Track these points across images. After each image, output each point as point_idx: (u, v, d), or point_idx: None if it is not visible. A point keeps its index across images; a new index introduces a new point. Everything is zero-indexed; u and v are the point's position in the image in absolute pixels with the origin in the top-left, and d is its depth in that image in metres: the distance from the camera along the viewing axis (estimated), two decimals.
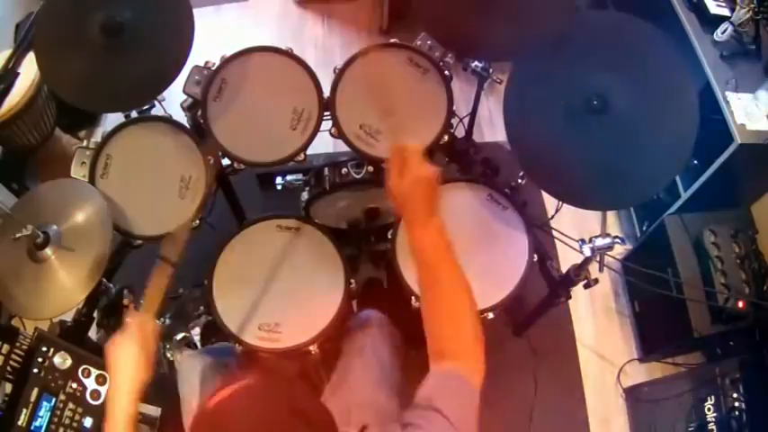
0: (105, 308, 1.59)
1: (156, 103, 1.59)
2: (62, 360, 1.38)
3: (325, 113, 1.54)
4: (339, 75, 1.55)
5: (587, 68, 1.27)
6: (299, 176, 1.81)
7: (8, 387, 1.31)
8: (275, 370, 1.35)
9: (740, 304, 1.72)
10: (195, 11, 1.35)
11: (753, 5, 1.78)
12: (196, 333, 1.76)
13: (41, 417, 1.31)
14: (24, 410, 1.29)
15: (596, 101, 1.22)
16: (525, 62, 1.35)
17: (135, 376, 0.98)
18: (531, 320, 1.95)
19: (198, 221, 1.51)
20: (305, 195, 1.76)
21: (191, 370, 1.38)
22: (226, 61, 1.53)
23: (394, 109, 1.03)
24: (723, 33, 1.82)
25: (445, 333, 0.92)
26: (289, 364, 1.53)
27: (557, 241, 1.94)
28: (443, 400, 0.83)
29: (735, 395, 1.66)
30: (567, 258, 1.66)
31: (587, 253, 1.41)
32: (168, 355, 1.73)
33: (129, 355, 0.99)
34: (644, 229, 2.22)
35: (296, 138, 1.53)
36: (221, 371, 1.36)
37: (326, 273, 1.44)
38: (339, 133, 1.54)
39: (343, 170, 1.71)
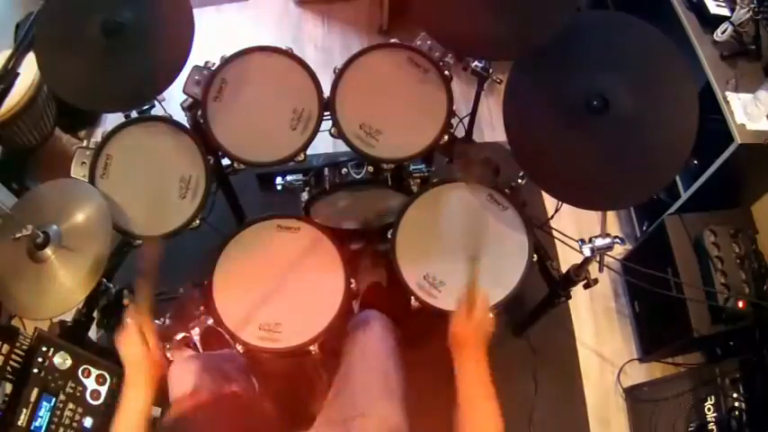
0: (105, 308, 1.59)
1: (156, 103, 1.59)
2: (62, 360, 1.38)
3: (325, 113, 1.54)
4: (339, 75, 1.55)
5: (587, 68, 1.27)
6: (299, 176, 1.81)
7: (8, 387, 1.31)
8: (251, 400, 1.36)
9: (740, 304, 1.72)
10: (195, 11, 1.35)
11: (753, 5, 1.78)
12: (196, 333, 1.76)
13: (41, 417, 1.31)
14: (24, 410, 1.29)
15: (596, 101, 1.22)
16: (525, 62, 1.35)
17: (143, 370, 1.04)
18: (531, 320, 1.95)
19: (198, 221, 1.51)
20: (305, 195, 1.76)
21: (182, 374, 1.38)
22: (226, 61, 1.53)
23: (479, 255, 1.11)
24: (723, 33, 1.82)
25: None
26: (288, 365, 1.53)
27: (557, 241, 1.95)
28: None
29: (735, 395, 1.66)
30: (567, 258, 1.67)
31: (587, 253, 1.41)
32: (168, 355, 1.73)
33: (135, 352, 1.06)
34: (644, 229, 2.22)
35: (296, 138, 1.53)
36: (215, 377, 1.36)
37: (326, 273, 1.44)
38: (339, 133, 1.54)
39: (343, 170, 1.71)
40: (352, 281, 1.44)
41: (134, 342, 1.06)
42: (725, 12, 1.87)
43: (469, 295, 1.08)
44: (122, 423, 1.02)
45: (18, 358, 1.34)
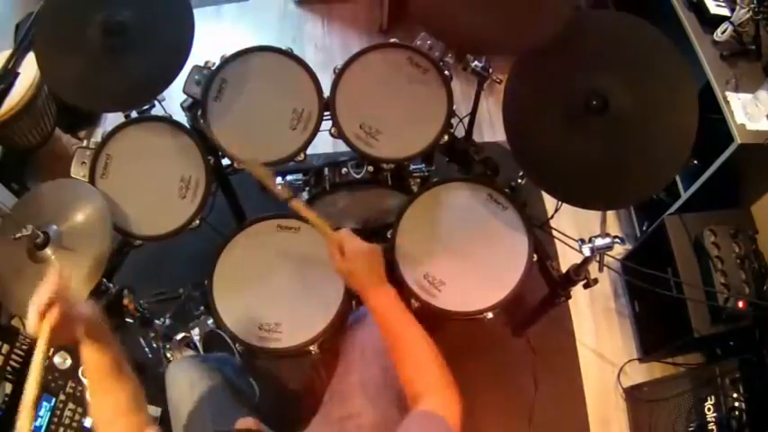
0: (105, 308, 1.59)
1: (156, 103, 1.59)
2: (62, 360, 1.39)
3: (326, 113, 1.54)
4: (339, 75, 1.55)
5: (587, 68, 1.26)
6: (299, 176, 1.81)
7: (8, 387, 1.31)
8: None
9: (740, 304, 1.71)
10: (195, 11, 1.35)
11: (753, 5, 1.78)
12: (196, 333, 1.76)
13: (41, 417, 1.31)
14: None
15: (596, 101, 1.22)
16: (525, 62, 1.35)
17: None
18: (531, 320, 1.95)
19: (198, 221, 1.51)
20: (305, 195, 1.76)
21: (180, 375, 1.38)
22: (226, 61, 1.53)
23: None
24: (723, 33, 1.82)
25: (415, 377, 0.99)
26: (288, 365, 1.53)
27: (557, 241, 1.94)
28: None
29: (735, 395, 1.66)
30: (567, 258, 1.67)
31: (587, 253, 1.40)
32: (168, 355, 1.73)
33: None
34: (644, 229, 2.22)
35: (296, 138, 1.53)
36: (213, 378, 1.36)
37: (326, 273, 1.44)
38: (339, 133, 1.54)
39: (343, 170, 1.71)
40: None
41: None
42: (725, 12, 1.87)
43: (329, 240, 1.13)
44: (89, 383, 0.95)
45: (18, 358, 1.34)
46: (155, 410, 1.58)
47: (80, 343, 0.92)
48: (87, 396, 0.97)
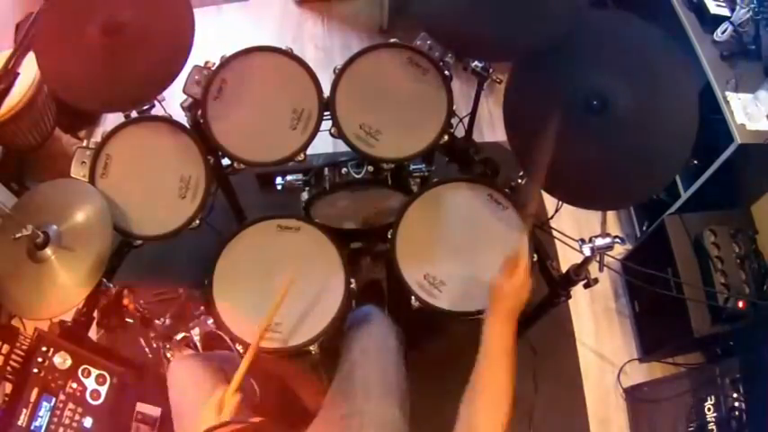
0: (105, 308, 1.59)
1: (156, 103, 1.58)
2: (62, 360, 1.38)
3: (326, 113, 1.54)
4: (339, 75, 1.55)
5: (587, 68, 1.26)
6: (299, 176, 1.81)
7: (8, 387, 1.31)
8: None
9: (740, 304, 1.72)
10: (196, 11, 1.35)
11: (753, 5, 1.78)
12: (196, 333, 1.76)
13: (41, 417, 1.31)
14: (24, 410, 1.29)
15: (596, 101, 1.22)
16: (525, 62, 1.35)
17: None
18: (531, 320, 1.95)
19: (198, 221, 1.51)
20: (305, 195, 1.76)
21: (182, 374, 1.37)
22: (226, 61, 1.53)
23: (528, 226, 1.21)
24: (723, 33, 1.82)
25: (483, 409, 1.00)
26: (289, 365, 1.53)
27: (557, 241, 1.94)
28: None
29: (735, 395, 1.66)
30: (567, 258, 1.66)
31: (587, 253, 1.40)
32: (168, 355, 1.73)
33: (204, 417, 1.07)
34: (644, 229, 2.22)
35: (296, 138, 1.53)
36: (216, 377, 1.36)
37: (326, 273, 1.44)
38: (339, 133, 1.54)
39: (343, 170, 1.71)
40: (352, 281, 1.44)
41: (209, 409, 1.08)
42: (725, 12, 1.87)
43: (518, 258, 1.13)
44: None
45: (18, 358, 1.34)
46: (155, 410, 1.58)
47: None
48: None
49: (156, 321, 1.72)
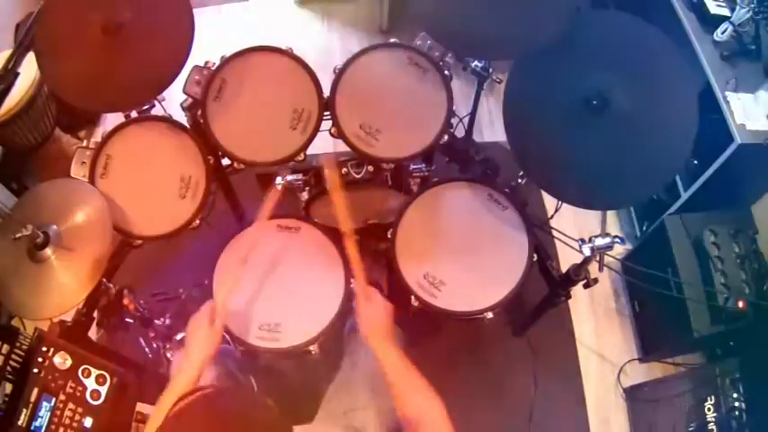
0: (105, 308, 1.59)
1: (156, 103, 1.59)
2: (62, 360, 1.38)
3: (325, 113, 1.54)
4: (339, 75, 1.55)
5: (587, 68, 1.27)
6: (299, 176, 1.81)
7: (8, 387, 1.31)
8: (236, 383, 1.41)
9: (740, 304, 1.71)
10: (195, 11, 1.35)
11: (753, 5, 1.78)
12: None
13: (41, 417, 1.31)
14: (24, 410, 1.29)
15: (596, 101, 1.22)
16: (525, 62, 1.35)
17: (203, 350, 1.13)
18: (531, 320, 1.95)
19: (198, 221, 1.51)
20: (305, 195, 1.76)
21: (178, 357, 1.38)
22: (226, 61, 1.53)
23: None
24: (723, 33, 1.81)
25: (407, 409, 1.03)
26: (288, 365, 1.53)
27: (557, 241, 1.94)
28: None
29: (735, 395, 1.66)
30: (567, 258, 1.66)
31: (587, 253, 1.40)
32: (168, 355, 1.73)
33: (201, 334, 1.16)
34: (644, 229, 2.22)
35: (296, 138, 1.53)
36: (217, 369, 1.36)
37: (326, 273, 1.44)
38: (339, 133, 1.54)
39: (343, 170, 1.71)
40: (352, 281, 1.44)
41: (204, 325, 1.17)
42: (725, 12, 1.87)
43: (360, 287, 1.18)
44: (171, 395, 1.07)
45: (18, 358, 1.34)
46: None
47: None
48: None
49: (156, 321, 1.72)
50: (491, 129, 2.61)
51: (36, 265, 1.28)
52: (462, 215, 1.53)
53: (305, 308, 1.40)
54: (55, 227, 1.31)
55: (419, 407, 1.02)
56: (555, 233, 1.82)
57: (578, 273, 1.51)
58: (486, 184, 1.55)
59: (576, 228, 2.24)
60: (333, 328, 1.37)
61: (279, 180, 1.62)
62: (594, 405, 2.06)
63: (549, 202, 2.08)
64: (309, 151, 1.55)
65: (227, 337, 1.38)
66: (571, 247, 1.52)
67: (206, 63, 1.54)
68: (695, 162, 1.89)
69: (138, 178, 1.51)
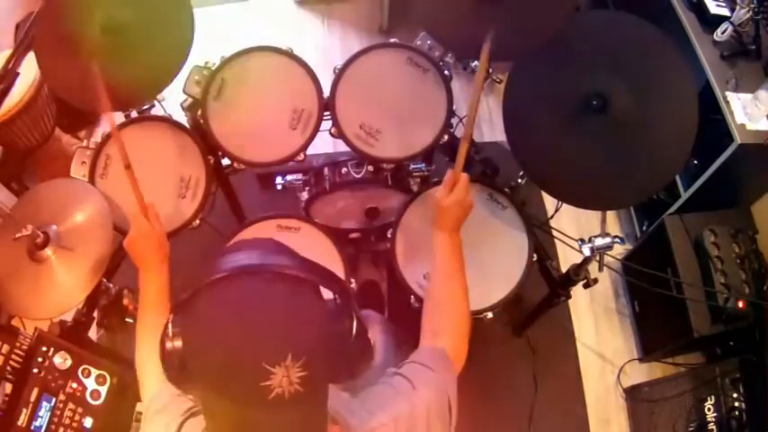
0: (105, 308, 1.59)
1: (156, 103, 1.59)
2: (62, 360, 1.38)
3: (325, 113, 1.54)
4: (339, 75, 1.55)
5: (587, 68, 1.26)
6: (299, 176, 1.81)
7: (8, 387, 1.31)
8: None
9: (740, 304, 1.71)
10: (196, 11, 1.35)
11: (753, 5, 1.78)
12: None
13: (41, 417, 1.31)
14: (24, 410, 1.29)
15: (596, 101, 1.22)
16: (525, 62, 1.35)
17: (151, 255, 1.18)
18: (531, 320, 1.95)
19: (198, 221, 1.51)
20: (305, 195, 1.76)
21: None
22: (226, 61, 1.53)
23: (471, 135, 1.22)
24: (723, 33, 1.82)
25: (444, 314, 1.05)
26: None
27: (557, 241, 1.94)
28: (437, 366, 0.93)
29: (735, 395, 1.66)
30: (567, 258, 1.67)
31: (587, 253, 1.40)
32: None
33: (140, 245, 1.19)
34: (644, 229, 2.22)
35: (296, 138, 1.53)
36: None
37: None
38: (339, 133, 1.54)
39: (343, 170, 1.71)
40: (352, 281, 1.44)
41: (142, 225, 1.20)
42: (725, 12, 1.87)
43: (455, 174, 1.17)
44: (147, 302, 1.16)
45: (18, 358, 1.34)
46: None
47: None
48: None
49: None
50: (491, 129, 2.61)
51: (36, 265, 1.28)
52: None
53: None
54: (55, 227, 1.31)
55: (452, 289, 1.07)
56: (555, 233, 1.82)
57: (578, 273, 1.51)
58: (486, 184, 1.55)
59: (576, 228, 2.24)
60: None
61: (279, 180, 1.63)
62: (594, 405, 2.06)
63: (549, 202, 2.08)
64: (309, 151, 1.55)
65: None
66: (571, 247, 1.52)
67: (206, 63, 1.54)
68: (695, 162, 1.90)
69: (138, 179, 1.50)
